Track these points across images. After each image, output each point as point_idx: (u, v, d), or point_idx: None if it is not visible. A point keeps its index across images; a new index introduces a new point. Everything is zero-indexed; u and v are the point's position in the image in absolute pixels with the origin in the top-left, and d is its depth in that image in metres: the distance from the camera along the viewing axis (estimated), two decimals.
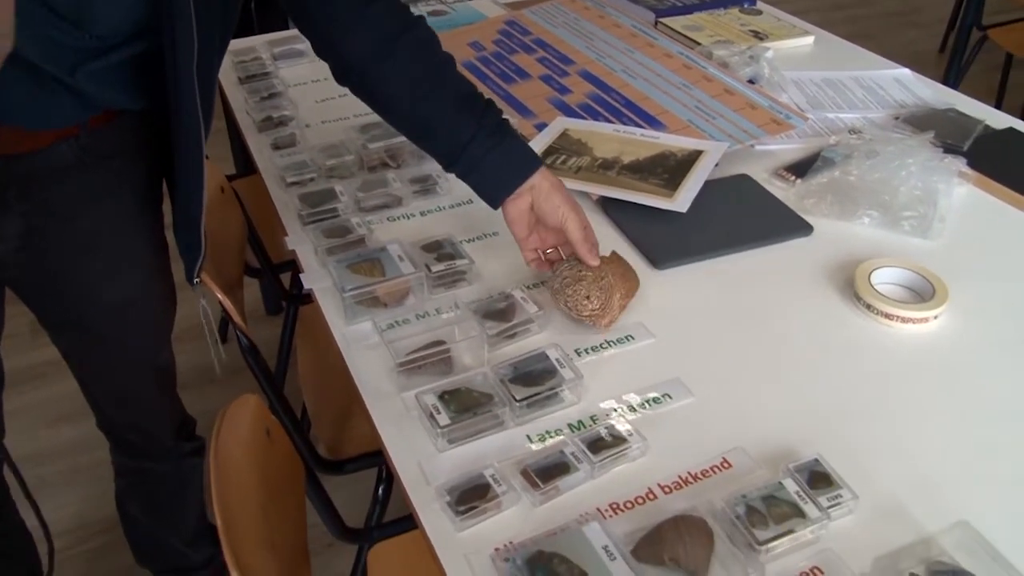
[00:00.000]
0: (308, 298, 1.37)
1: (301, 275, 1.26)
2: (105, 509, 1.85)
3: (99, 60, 1.07)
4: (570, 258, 1.19)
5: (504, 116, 1.21)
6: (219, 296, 1.36)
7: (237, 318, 1.33)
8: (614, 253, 1.22)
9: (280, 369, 1.98)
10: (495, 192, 1.19)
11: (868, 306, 1.18)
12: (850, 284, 1.23)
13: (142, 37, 1.08)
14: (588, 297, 1.14)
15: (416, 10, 2.18)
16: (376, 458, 1.39)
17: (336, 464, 1.39)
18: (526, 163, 1.18)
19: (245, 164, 2.24)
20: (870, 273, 1.22)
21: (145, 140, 1.24)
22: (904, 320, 1.16)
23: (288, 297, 1.88)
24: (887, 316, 1.17)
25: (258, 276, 2.07)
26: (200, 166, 1.17)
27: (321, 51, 1.21)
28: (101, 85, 1.11)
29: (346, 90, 1.23)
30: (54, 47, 1.02)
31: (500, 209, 1.20)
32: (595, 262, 1.17)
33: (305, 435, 1.37)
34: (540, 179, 1.17)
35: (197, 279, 1.30)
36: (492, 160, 1.17)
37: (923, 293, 1.21)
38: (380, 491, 1.39)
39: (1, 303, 1.30)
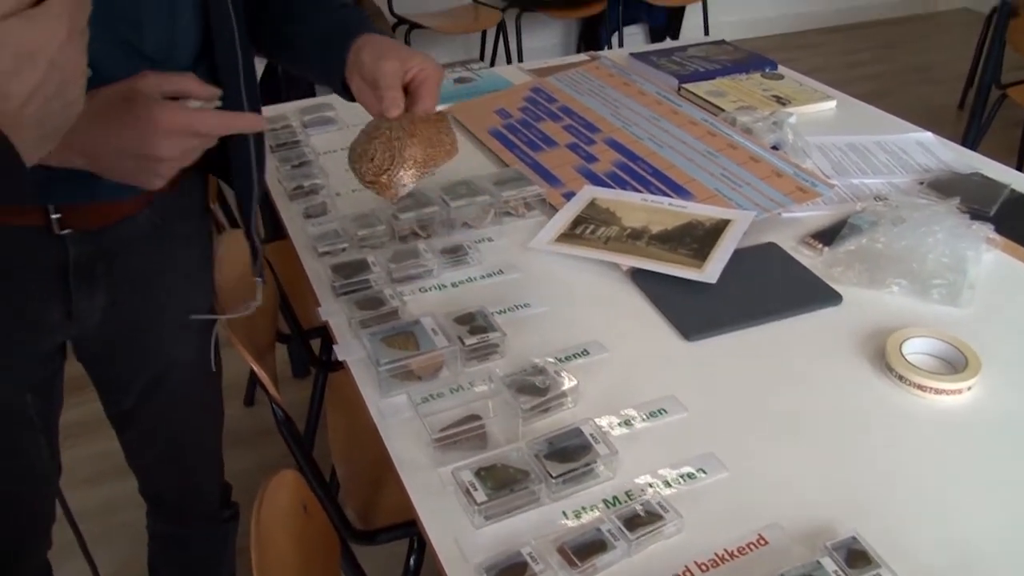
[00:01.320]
0: (337, 365, 1.39)
1: (335, 346, 1.28)
2: (133, 572, 1.85)
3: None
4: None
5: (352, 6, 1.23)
6: (253, 366, 1.38)
7: (272, 390, 1.34)
8: (439, 115, 1.09)
9: (308, 435, 1.99)
10: (329, 70, 1.16)
11: (900, 377, 1.18)
12: (881, 354, 1.23)
13: (200, 61, 1.13)
14: (372, 159, 1.03)
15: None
16: (408, 528, 1.39)
17: (369, 535, 1.39)
18: (349, 30, 1.15)
19: (274, 229, 2.26)
20: (901, 343, 1.22)
21: (207, 200, 1.29)
22: (937, 391, 1.16)
23: (318, 364, 1.89)
24: (920, 387, 1.17)
25: (287, 341, 2.08)
26: (249, 162, 1.21)
27: None
28: None
29: None
30: None
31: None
32: (391, 112, 1.07)
33: (341, 510, 1.38)
34: (360, 43, 1.13)
35: (260, 277, 1.34)
36: (321, 38, 1.17)
37: (955, 363, 1.21)
38: (412, 561, 1.39)
39: (61, 384, 1.32)
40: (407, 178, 1.04)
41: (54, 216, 1.09)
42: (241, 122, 1.02)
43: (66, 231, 1.11)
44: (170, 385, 1.36)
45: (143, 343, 1.31)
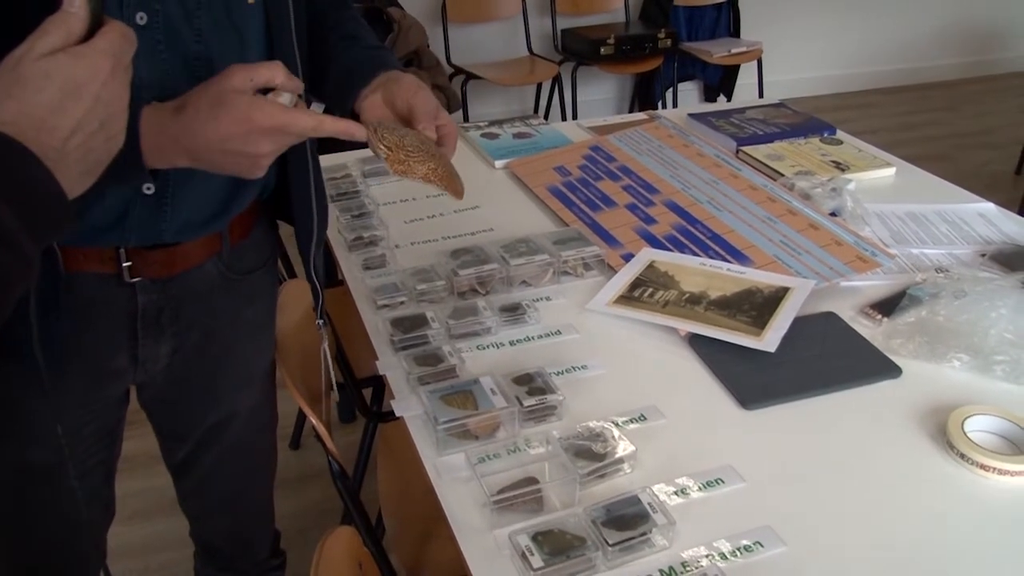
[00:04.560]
0: (388, 416, 1.39)
1: (392, 402, 1.29)
2: None
3: None
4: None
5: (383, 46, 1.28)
6: (310, 415, 1.39)
7: (330, 443, 1.35)
8: (444, 157, 1.17)
9: (356, 483, 2.00)
10: (346, 94, 1.20)
11: (962, 455, 1.17)
12: (942, 430, 1.21)
13: None
14: (403, 137, 1.09)
15: (502, 131, 2.26)
16: None
17: None
18: (379, 64, 1.20)
19: (328, 275, 2.29)
20: (963, 421, 1.21)
21: (276, 253, 1.33)
22: (1001, 472, 1.14)
23: (368, 413, 1.91)
24: (983, 467, 1.15)
25: (340, 389, 2.10)
26: (310, 206, 1.24)
27: None
28: None
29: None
30: None
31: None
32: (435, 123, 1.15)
33: (395, 573, 1.38)
34: (393, 75, 1.19)
35: (321, 320, 1.38)
36: (348, 66, 1.21)
37: (1020, 443, 1.19)
38: None
39: (122, 431, 1.35)
40: (419, 171, 1.09)
41: (125, 264, 1.12)
42: (333, 126, 1.01)
43: (136, 279, 1.14)
44: (229, 434, 1.38)
45: (206, 391, 1.33)
